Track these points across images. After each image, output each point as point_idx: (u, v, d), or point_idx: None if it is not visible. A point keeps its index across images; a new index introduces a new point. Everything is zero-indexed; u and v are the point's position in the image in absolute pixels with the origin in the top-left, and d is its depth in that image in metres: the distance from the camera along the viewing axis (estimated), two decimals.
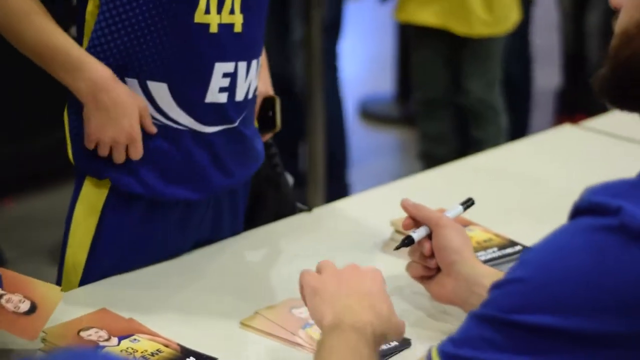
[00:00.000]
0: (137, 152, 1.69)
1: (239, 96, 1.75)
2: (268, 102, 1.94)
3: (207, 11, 1.67)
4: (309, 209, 2.03)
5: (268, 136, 1.97)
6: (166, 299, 1.67)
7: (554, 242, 1.10)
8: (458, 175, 2.22)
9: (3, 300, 1.51)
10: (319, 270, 1.43)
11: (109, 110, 1.66)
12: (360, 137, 5.08)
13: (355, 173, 4.43)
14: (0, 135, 4.02)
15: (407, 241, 1.60)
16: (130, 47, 1.66)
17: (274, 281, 1.74)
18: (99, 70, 1.66)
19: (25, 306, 1.52)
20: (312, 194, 3.54)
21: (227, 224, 1.86)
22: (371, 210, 2.00)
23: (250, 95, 1.78)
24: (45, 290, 1.56)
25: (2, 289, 1.52)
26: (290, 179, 2.06)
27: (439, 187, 2.13)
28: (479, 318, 1.11)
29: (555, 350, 1.06)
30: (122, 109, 1.66)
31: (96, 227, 1.74)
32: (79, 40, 1.72)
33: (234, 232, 1.88)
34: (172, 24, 1.65)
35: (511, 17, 3.84)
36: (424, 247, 1.59)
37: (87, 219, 1.74)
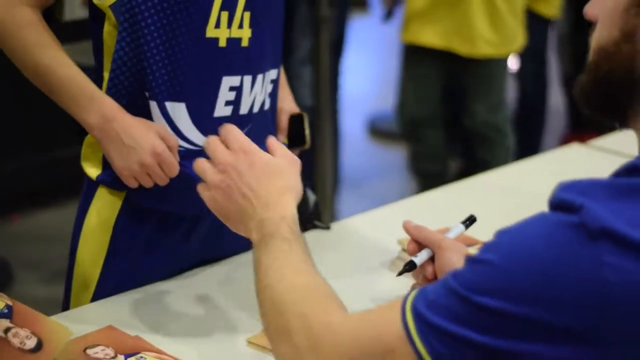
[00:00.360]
0: (172, 168, 1.67)
1: (243, 110, 1.75)
2: (296, 119, 1.95)
3: (217, 25, 1.67)
4: (327, 227, 2.03)
5: (296, 153, 1.97)
6: (173, 317, 1.67)
7: (525, 232, 1.12)
8: (466, 194, 2.22)
9: (10, 334, 1.50)
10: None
11: (122, 138, 1.65)
12: (369, 154, 5.08)
13: (363, 190, 4.43)
14: (6, 151, 4.03)
15: (409, 267, 1.59)
16: (148, 66, 1.65)
17: None
18: (106, 103, 1.65)
19: (31, 343, 1.50)
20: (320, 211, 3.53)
21: (236, 239, 1.85)
22: (379, 229, 2.00)
23: (255, 109, 1.78)
24: (54, 327, 1.55)
25: (11, 322, 1.52)
26: (312, 197, 2.06)
27: (447, 206, 2.13)
28: (449, 289, 1.14)
29: (514, 335, 1.09)
30: (134, 133, 1.65)
31: (109, 242, 1.74)
32: (97, 60, 1.71)
33: (244, 247, 1.87)
34: (186, 39, 1.66)
35: (517, 39, 3.84)
36: (426, 271, 1.58)
37: (99, 234, 1.74)
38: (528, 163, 2.51)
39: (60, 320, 1.62)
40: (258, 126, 1.81)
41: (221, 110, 1.72)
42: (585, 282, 1.06)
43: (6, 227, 4.25)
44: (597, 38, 1.23)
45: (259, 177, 1.43)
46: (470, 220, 1.69)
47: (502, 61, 3.85)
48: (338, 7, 3.80)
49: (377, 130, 5.37)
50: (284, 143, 1.90)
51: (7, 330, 1.51)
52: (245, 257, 1.87)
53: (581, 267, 1.06)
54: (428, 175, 4.04)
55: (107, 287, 1.74)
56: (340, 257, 1.89)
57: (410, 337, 1.15)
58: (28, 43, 1.64)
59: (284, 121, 1.95)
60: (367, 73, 6.16)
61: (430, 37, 3.75)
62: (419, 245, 1.60)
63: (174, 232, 1.77)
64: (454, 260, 1.55)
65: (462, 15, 3.70)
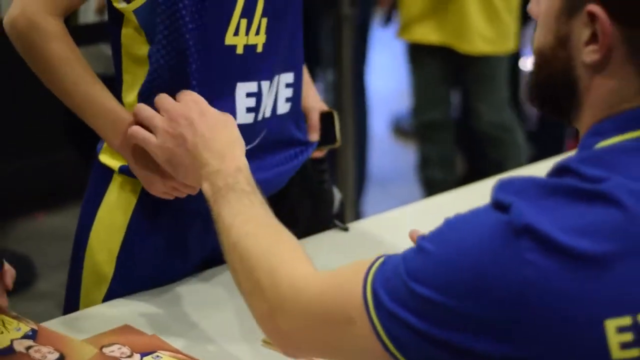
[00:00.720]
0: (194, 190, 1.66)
1: (265, 114, 1.74)
2: (326, 117, 1.94)
3: (236, 33, 1.65)
4: (346, 228, 2.02)
5: (325, 151, 1.97)
6: (189, 316, 1.67)
7: (463, 227, 1.14)
8: (487, 195, 2.20)
9: (32, 350, 1.50)
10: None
11: (148, 161, 1.61)
12: (395, 154, 5.07)
13: (389, 190, 4.42)
14: (31, 148, 4.04)
15: None
16: (184, 74, 1.62)
17: None
18: (128, 124, 1.62)
19: (52, 357, 1.50)
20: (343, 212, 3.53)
21: None
22: (397, 230, 1.98)
23: (270, 114, 1.75)
24: (78, 346, 1.54)
25: (34, 342, 1.52)
26: (338, 196, 2.05)
27: (468, 206, 2.11)
28: (397, 272, 1.15)
29: (447, 325, 1.10)
30: None
31: (123, 239, 1.73)
32: (116, 62, 1.69)
33: None
34: (206, 46, 1.63)
35: (513, 36, 3.83)
36: None
37: (113, 231, 1.73)
38: (541, 166, 2.48)
39: (75, 318, 1.63)
40: (274, 131, 1.78)
41: (242, 117, 1.69)
42: (508, 279, 1.07)
43: (29, 225, 4.27)
44: (536, 40, 1.23)
45: (211, 126, 1.47)
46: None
47: (502, 59, 3.84)
48: (360, 6, 3.79)
49: (401, 130, 5.35)
50: (314, 141, 1.89)
51: (28, 347, 1.52)
52: None
53: (505, 264, 1.08)
54: (434, 182, 4.02)
55: (121, 285, 1.73)
56: (357, 257, 1.87)
57: (369, 313, 1.16)
58: (53, 57, 1.62)
59: (314, 119, 1.94)
60: (393, 72, 6.14)
61: (428, 33, 3.75)
62: None
63: (190, 230, 1.76)
64: None
65: (458, 11, 3.70)
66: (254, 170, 1.50)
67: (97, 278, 1.74)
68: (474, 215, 1.14)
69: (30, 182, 4.10)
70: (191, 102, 1.50)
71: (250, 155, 1.66)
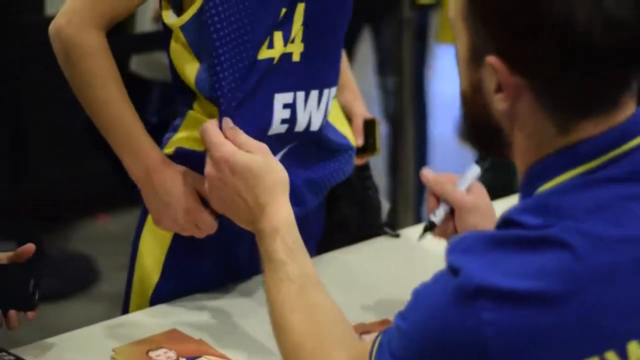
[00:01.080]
0: (209, 227, 1.65)
1: (299, 127, 1.70)
2: (369, 124, 1.93)
3: (271, 46, 1.62)
4: (397, 235, 2.01)
5: (366, 159, 1.96)
6: (235, 321, 1.67)
7: (422, 299, 1.15)
8: None
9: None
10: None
11: (160, 194, 1.63)
12: (457, 158, 5.04)
13: None
14: (95, 150, 4.08)
15: (430, 227, 1.55)
16: (219, 88, 1.60)
17: (342, 306, 1.74)
18: (151, 156, 1.63)
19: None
20: (402, 218, 3.52)
21: None
22: None
23: (313, 127, 1.72)
24: (125, 350, 1.55)
25: None
26: (386, 205, 2.04)
27: None
28: (386, 354, 1.17)
29: None
30: (171, 188, 1.63)
31: (169, 246, 1.74)
32: (172, 72, 1.68)
33: None
34: (243, 58, 1.60)
35: None
36: (448, 228, 1.56)
37: (159, 237, 1.74)
38: None
39: (123, 322, 1.64)
40: (307, 144, 1.75)
41: (277, 128, 1.67)
42: (471, 341, 1.07)
43: (94, 227, 4.32)
44: (460, 84, 1.23)
45: (245, 181, 1.46)
46: (484, 162, 1.59)
47: None
48: (420, 10, 3.77)
49: None
50: (354, 147, 1.88)
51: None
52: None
53: (465, 329, 1.07)
54: (494, 187, 3.98)
55: (166, 290, 1.74)
56: (406, 266, 1.87)
57: None
58: (89, 73, 1.60)
59: (359, 125, 1.93)
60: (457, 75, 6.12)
61: None
62: (438, 199, 1.57)
63: (235, 239, 1.75)
64: (476, 222, 1.53)
65: None
66: (295, 172, 1.49)
67: (145, 282, 1.76)
68: (435, 281, 1.13)
69: (95, 185, 4.14)
70: (221, 161, 1.48)
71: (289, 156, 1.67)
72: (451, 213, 1.57)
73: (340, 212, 1.94)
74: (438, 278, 1.13)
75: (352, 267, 1.89)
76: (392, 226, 2.04)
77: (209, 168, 1.51)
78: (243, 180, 1.46)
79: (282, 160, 1.67)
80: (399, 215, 3.55)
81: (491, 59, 1.12)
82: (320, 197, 1.83)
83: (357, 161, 1.92)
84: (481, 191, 1.58)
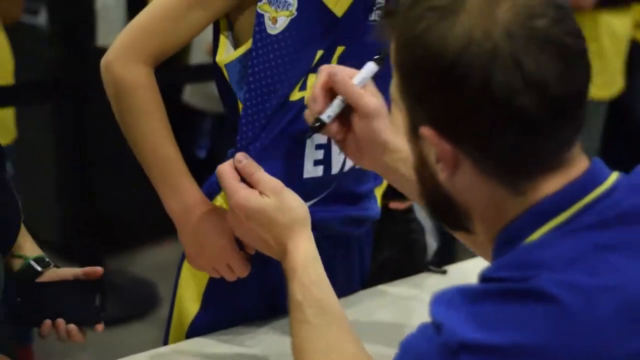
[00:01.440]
0: (240, 270, 1.65)
1: (335, 169, 1.68)
2: None
3: (303, 88, 1.61)
4: (444, 272, 1.98)
5: (407, 203, 1.93)
6: (272, 357, 1.66)
7: (410, 351, 1.11)
8: None
9: None
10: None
11: (198, 235, 1.62)
12: None
13: None
14: None
15: (319, 125, 1.45)
16: (250, 131, 1.61)
17: (383, 342, 1.71)
18: (191, 195, 1.62)
19: None
20: (452, 254, 3.48)
21: (339, 282, 1.82)
22: None
23: (346, 168, 1.70)
24: None
25: None
26: (433, 244, 2.02)
27: None
28: None
29: None
30: (208, 230, 1.62)
31: (208, 279, 1.73)
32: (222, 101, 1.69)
33: (349, 290, 1.85)
34: (271, 98, 1.60)
35: (617, 83, 3.69)
36: (343, 127, 1.48)
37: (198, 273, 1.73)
38: None
39: (158, 355, 1.63)
40: (347, 184, 1.73)
41: (310, 171, 1.66)
42: None
43: (158, 252, 4.34)
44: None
45: (262, 225, 1.45)
46: (381, 55, 1.47)
47: (599, 105, 3.70)
48: None
49: None
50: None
51: None
52: (354, 299, 1.84)
53: None
54: None
55: (205, 323, 1.74)
56: None
57: None
58: (133, 108, 1.59)
59: None
60: None
61: None
62: (330, 93, 1.47)
63: (274, 275, 1.73)
64: (380, 128, 1.46)
65: None
66: (326, 215, 1.48)
67: (183, 314, 1.76)
68: (421, 334, 1.11)
69: (160, 211, 4.17)
70: (236, 208, 1.47)
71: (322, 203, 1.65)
72: (345, 112, 1.47)
73: (383, 254, 1.92)
74: (423, 331, 1.11)
75: (393, 302, 1.87)
76: (439, 264, 2.01)
77: (228, 214, 1.52)
78: (259, 224, 1.45)
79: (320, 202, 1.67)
80: (449, 251, 3.50)
81: (425, 130, 1.12)
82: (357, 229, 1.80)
83: (400, 205, 1.90)
84: (376, 92, 1.49)
